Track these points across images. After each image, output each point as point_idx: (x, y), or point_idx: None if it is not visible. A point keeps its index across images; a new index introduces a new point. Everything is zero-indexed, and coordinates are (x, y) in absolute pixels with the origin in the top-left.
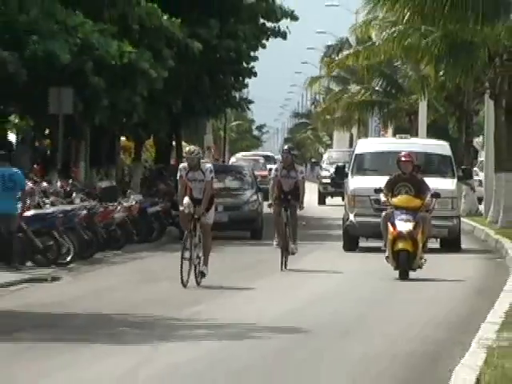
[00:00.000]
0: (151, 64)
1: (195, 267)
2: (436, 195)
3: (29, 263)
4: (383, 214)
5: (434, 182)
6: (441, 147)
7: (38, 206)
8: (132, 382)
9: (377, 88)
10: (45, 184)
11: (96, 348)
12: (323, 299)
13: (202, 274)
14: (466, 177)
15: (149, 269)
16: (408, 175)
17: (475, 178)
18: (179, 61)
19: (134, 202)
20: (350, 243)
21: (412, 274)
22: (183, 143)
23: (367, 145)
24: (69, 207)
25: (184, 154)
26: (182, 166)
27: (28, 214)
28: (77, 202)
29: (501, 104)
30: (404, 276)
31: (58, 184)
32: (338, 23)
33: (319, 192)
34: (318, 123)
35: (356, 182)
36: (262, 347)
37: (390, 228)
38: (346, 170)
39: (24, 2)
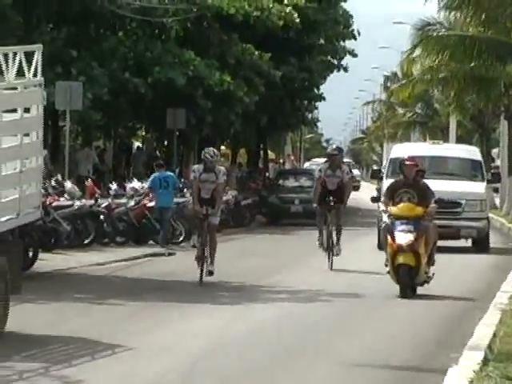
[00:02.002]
0: (245, 92)
1: (207, 262)
2: (438, 201)
3: (150, 242)
4: (383, 224)
5: (464, 186)
6: (472, 152)
7: None
8: (228, 333)
9: (417, 110)
10: None
11: (200, 307)
12: (371, 274)
13: (210, 273)
14: (495, 181)
15: (240, 247)
16: (411, 181)
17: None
18: (267, 88)
19: (230, 197)
20: (379, 245)
21: None
22: (268, 151)
23: (402, 149)
24: (180, 200)
25: (202, 157)
26: (196, 167)
27: (150, 204)
28: (187, 196)
29: None
30: (405, 293)
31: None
32: (389, 61)
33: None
34: (372, 137)
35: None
36: (327, 308)
37: (390, 240)
38: (382, 173)
39: (149, 44)
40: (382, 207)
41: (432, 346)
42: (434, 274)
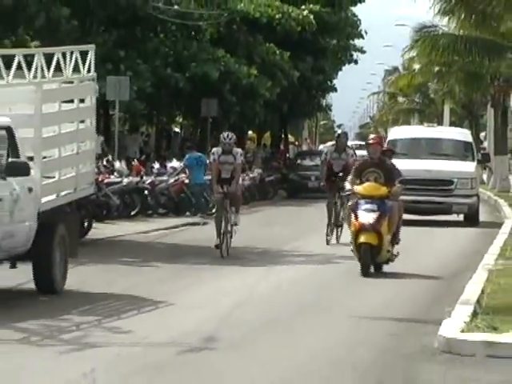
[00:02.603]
0: (268, 86)
1: (226, 239)
2: (403, 181)
3: (187, 213)
4: (348, 203)
5: (456, 165)
6: (463, 135)
7: None
8: (253, 291)
9: (416, 100)
10: None
11: (229, 269)
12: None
13: (235, 224)
14: (484, 160)
15: (264, 217)
16: (377, 160)
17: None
18: (287, 82)
19: (256, 174)
20: None
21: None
22: (289, 135)
23: (399, 132)
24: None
25: (221, 139)
26: (214, 150)
27: (187, 181)
28: None
29: (498, 111)
30: (365, 271)
31: (207, 162)
32: (392, 56)
33: None
34: (377, 123)
35: None
36: (338, 269)
37: (353, 219)
38: None
39: (187, 44)
40: (348, 186)
41: (429, 302)
42: (398, 253)
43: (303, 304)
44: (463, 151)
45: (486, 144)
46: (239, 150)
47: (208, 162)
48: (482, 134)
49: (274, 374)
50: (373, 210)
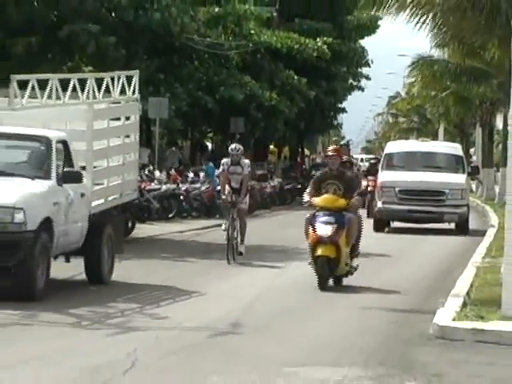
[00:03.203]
0: (287, 106)
1: (235, 247)
2: (362, 194)
3: (217, 216)
4: (307, 215)
5: (447, 177)
6: (454, 149)
7: None
8: (272, 285)
9: (414, 119)
10: None
11: (252, 264)
12: (380, 243)
13: (240, 254)
14: (474, 173)
15: (283, 220)
16: (336, 172)
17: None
18: (304, 103)
19: (276, 182)
20: (378, 225)
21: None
22: (305, 149)
23: (395, 146)
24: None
25: (229, 151)
26: (224, 161)
27: (217, 188)
28: None
29: (485, 130)
30: (322, 284)
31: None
32: (395, 82)
33: None
34: (382, 138)
35: (384, 176)
36: None
37: (311, 231)
38: (378, 166)
39: (217, 70)
40: (306, 198)
41: (425, 294)
42: (358, 265)
43: (315, 296)
44: (454, 164)
45: (474, 158)
46: (247, 162)
47: (217, 172)
48: (472, 150)
49: (289, 355)
50: (330, 223)
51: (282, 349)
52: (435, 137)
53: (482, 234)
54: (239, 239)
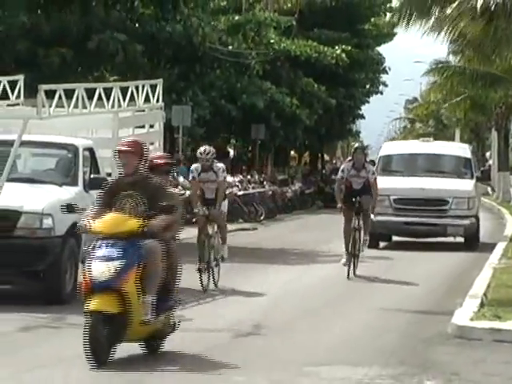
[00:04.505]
0: (307, 114)
1: (212, 270)
2: (166, 209)
3: (240, 220)
4: (85, 247)
5: (451, 183)
6: (461, 150)
7: (245, 189)
8: (294, 285)
9: (431, 124)
10: (249, 177)
11: (275, 266)
12: (396, 248)
13: (222, 258)
14: (484, 178)
15: (304, 223)
16: (132, 178)
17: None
18: (323, 110)
19: (297, 187)
20: (370, 241)
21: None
22: (325, 155)
23: (391, 147)
24: (261, 189)
25: (198, 155)
26: (193, 167)
27: (240, 193)
28: (266, 187)
29: (500, 134)
30: (97, 359)
31: (256, 177)
32: (412, 88)
33: None
34: None
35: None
36: (366, 267)
37: (84, 273)
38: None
39: (238, 78)
40: (83, 221)
41: (443, 295)
42: (180, 322)
43: (335, 297)
44: (461, 168)
45: (490, 162)
46: (221, 166)
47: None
48: (488, 154)
49: (310, 355)
50: (111, 258)
51: (304, 349)
52: (452, 141)
53: (498, 238)
54: (220, 241)
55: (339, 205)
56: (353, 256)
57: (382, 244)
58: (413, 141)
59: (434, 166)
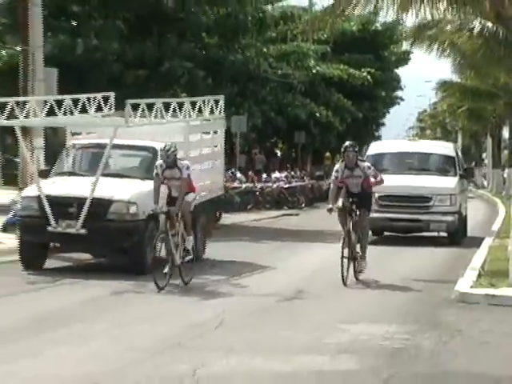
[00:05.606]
0: (339, 122)
1: (180, 268)
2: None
3: (285, 207)
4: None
5: (434, 181)
6: (445, 149)
7: (290, 183)
8: (328, 260)
9: (438, 131)
10: (293, 173)
11: (315, 244)
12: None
13: (187, 252)
14: (468, 176)
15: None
16: None
17: (483, 170)
18: (351, 120)
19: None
20: None
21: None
22: None
23: (379, 146)
24: (302, 183)
25: (160, 153)
26: (158, 163)
27: (285, 186)
28: (306, 181)
29: (494, 139)
30: None
31: (298, 173)
32: (423, 102)
33: None
34: None
35: None
36: (371, 253)
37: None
38: None
39: (285, 95)
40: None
41: (448, 268)
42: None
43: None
44: (444, 166)
45: (486, 161)
46: (185, 163)
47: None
48: (484, 155)
49: (342, 316)
50: None
51: (337, 311)
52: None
53: (493, 221)
54: (185, 234)
55: (329, 206)
56: (352, 259)
57: (383, 234)
58: (400, 140)
59: (419, 164)
